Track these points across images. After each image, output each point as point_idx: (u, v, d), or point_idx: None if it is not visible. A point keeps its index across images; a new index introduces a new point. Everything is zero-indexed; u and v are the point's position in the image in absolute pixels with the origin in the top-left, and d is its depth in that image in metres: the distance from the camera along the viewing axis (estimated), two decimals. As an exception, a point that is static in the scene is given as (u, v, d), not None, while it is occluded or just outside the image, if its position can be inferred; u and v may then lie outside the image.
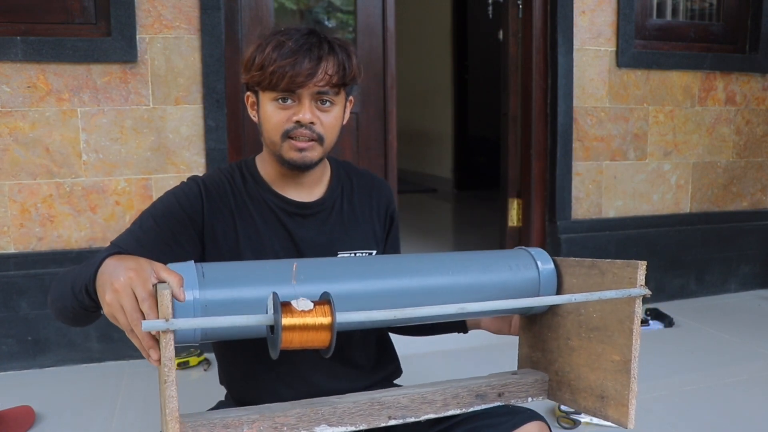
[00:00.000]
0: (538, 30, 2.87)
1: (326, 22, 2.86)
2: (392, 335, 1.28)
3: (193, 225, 1.05)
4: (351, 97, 1.15)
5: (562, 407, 1.85)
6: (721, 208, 3.22)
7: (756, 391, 2.08)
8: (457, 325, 1.20)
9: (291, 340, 0.71)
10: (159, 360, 0.73)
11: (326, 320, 0.72)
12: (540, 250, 1.05)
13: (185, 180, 1.11)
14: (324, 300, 0.74)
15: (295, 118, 1.03)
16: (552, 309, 1.05)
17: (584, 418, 1.82)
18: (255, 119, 1.11)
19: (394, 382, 1.23)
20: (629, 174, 3.02)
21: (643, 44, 2.98)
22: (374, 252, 1.17)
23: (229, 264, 0.94)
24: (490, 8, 3.30)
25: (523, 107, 2.99)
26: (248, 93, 1.11)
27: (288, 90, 1.02)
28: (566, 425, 1.80)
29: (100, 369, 2.29)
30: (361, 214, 1.17)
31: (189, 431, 0.81)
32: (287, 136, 1.04)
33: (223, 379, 1.20)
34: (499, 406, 1.02)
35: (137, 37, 2.28)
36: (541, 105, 2.91)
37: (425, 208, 5.67)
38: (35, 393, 2.06)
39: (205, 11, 2.34)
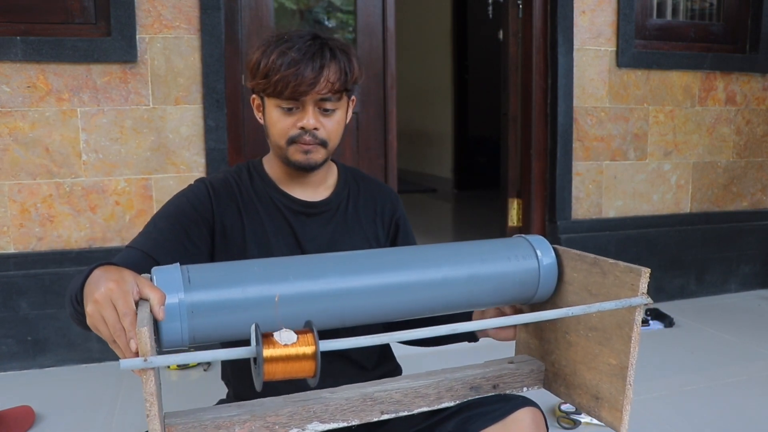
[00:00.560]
0: (538, 30, 2.87)
1: (326, 22, 2.86)
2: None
3: (205, 223, 1.09)
4: (353, 97, 1.18)
5: (563, 407, 1.85)
6: (721, 208, 3.22)
7: (756, 391, 2.08)
8: (467, 334, 1.18)
9: (274, 372, 0.70)
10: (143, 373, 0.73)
11: (309, 350, 0.71)
12: (540, 238, 1.01)
13: (192, 183, 1.15)
14: (306, 329, 0.73)
15: (299, 125, 1.07)
16: (552, 300, 1.03)
17: (584, 418, 1.82)
18: (261, 121, 1.15)
19: None
20: (629, 174, 3.02)
21: (643, 44, 2.98)
22: None
23: (216, 265, 0.93)
24: (490, 8, 3.30)
25: (523, 107, 2.99)
26: (254, 96, 1.15)
27: (292, 98, 1.06)
28: (566, 425, 1.80)
29: (100, 369, 2.29)
30: (364, 218, 1.20)
31: None
32: (292, 142, 1.09)
33: (224, 375, 1.23)
34: (492, 394, 1.03)
35: (137, 37, 2.28)
36: (541, 105, 2.91)
37: (425, 208, 5.67)
38: (35, 393, 2.06)
39: (205, 11, 2.34)
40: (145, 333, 0.66)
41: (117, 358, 2.41)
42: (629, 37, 2.89)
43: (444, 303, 0.95)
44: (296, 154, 1.09)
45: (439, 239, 4.30)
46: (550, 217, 2.93)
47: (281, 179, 1.16)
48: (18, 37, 2.18)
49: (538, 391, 1.07)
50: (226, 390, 1.24)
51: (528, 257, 0.98)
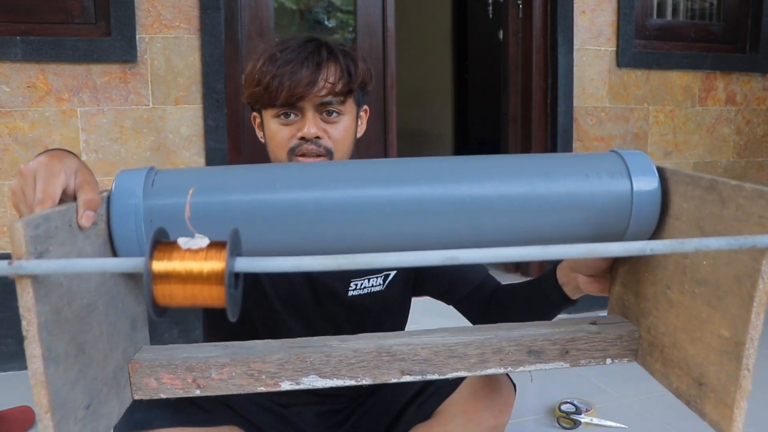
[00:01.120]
0: (538, 30, 2.87)
1: (326, 22, 2.86)
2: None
3: None
4: (365, 107, 1.06)
5: (562, 407, 1.84)
6: (722, 208, 3.22)
7: (756, 392, 2.07)
8: (558, 297, 0.91)
9: (171, 294, 0.51)
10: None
11: (218, 266, 0.50)
12: (640, 153, 0.72)
13: None
14: (221, 241, 0.52)
15: (299, 134, 0.96)
16: (652, 239, 0.73)
17: (584, 419, 1.81)
18: (262, 140, 1.04)
19: None
20: (629, 174, 3.01)
21: (643, 44, 2.98)
22: (392, 274, 1.09)
23: (191, 170, 0.73)
24: (490, 8, 3.31)
25: (523, 107, 2.99)
26: (254, 114, 1.04)
27: (288, 104, 0.95)
28: (566, 425, 1.80)
29: (100, 369, 2.29)
30: None
31: (146, 371, 0.67)
32: (293, 154, 0.97)
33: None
34: None
35: (137, 37, 2.28)
36: (541, 105, 2.91)
37: (425, 208, 5.67)
38: (35, 393, 2.06)
39: (205, 11, 2.34)
40: (20, 230, 0.49)
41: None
42: (629, 37, 2.89)
43: (477, 234, 0.68)
44: None
45: (439, 239, 4.28)
46: (550, 217, 2.93)
47: None
48: (18, 37, 2.17)
49: (606, 368, 0.82)
50: None
51: (617, 176, 0.69)
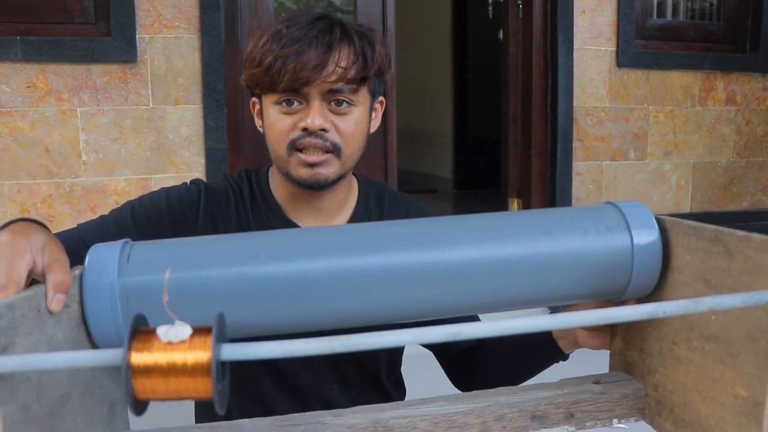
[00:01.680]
0: (538, 30, 2.87)
1: (326, 22, 2.86)
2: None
3: (176, 233, 0.87)
4: (381, 98, 0.92)
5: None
6: (722, 208, 3.22)
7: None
8: (551, 350, 0.86)
9: (153, 389, 0.46)
10: None
11: (203, 357, 0.45)
12: (638, 204, 0.69)
13: (188, 182, 0.95)
14: (205, 326, 0.47)
15: (302, 125, 0.82)
16: (655, 294, 0.70)
17: (584, 419, 1.81)
18: (261, 129, 0.91)
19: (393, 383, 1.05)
20: (629, 174, 3.02)
21: (643, 44, 2.98)
22: None
23: (168, 243, 0.66)
24: (490, 8, 3.31)
25: (523, 107, 2.99)
26: (253, 99, 0.92)
27: (291, 89, 0.81)
28: (566, 425, 1.79)
29: (100, 369, 2.29)
30: None
31: None
32: (294, 147, 0.84)
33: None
34: None
35: (137, 37, 2.28)
36: (541, 105, 2.91)
37: (425, 208, 5.66)
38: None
39: (205, 11, 2.34)
40: None
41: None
42: (629, 37, 2.89)
43: (474, 299, 0.66)
44: (300, 169, 0.84)
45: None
46: (550, 217, 2.93)
47: (288, 202, 0.91)
48: (18, 37, 2.17)
49: (638, 425, 0.75)
50: None
51: (616, 230, 0.66)
